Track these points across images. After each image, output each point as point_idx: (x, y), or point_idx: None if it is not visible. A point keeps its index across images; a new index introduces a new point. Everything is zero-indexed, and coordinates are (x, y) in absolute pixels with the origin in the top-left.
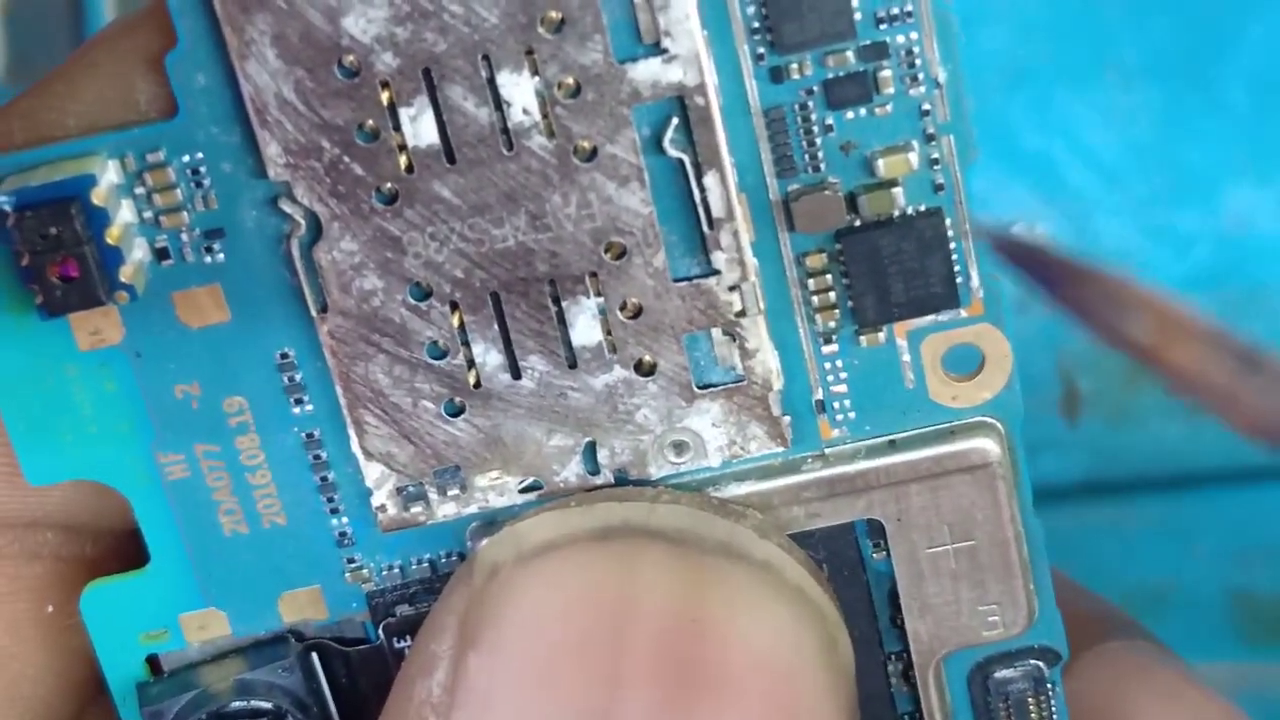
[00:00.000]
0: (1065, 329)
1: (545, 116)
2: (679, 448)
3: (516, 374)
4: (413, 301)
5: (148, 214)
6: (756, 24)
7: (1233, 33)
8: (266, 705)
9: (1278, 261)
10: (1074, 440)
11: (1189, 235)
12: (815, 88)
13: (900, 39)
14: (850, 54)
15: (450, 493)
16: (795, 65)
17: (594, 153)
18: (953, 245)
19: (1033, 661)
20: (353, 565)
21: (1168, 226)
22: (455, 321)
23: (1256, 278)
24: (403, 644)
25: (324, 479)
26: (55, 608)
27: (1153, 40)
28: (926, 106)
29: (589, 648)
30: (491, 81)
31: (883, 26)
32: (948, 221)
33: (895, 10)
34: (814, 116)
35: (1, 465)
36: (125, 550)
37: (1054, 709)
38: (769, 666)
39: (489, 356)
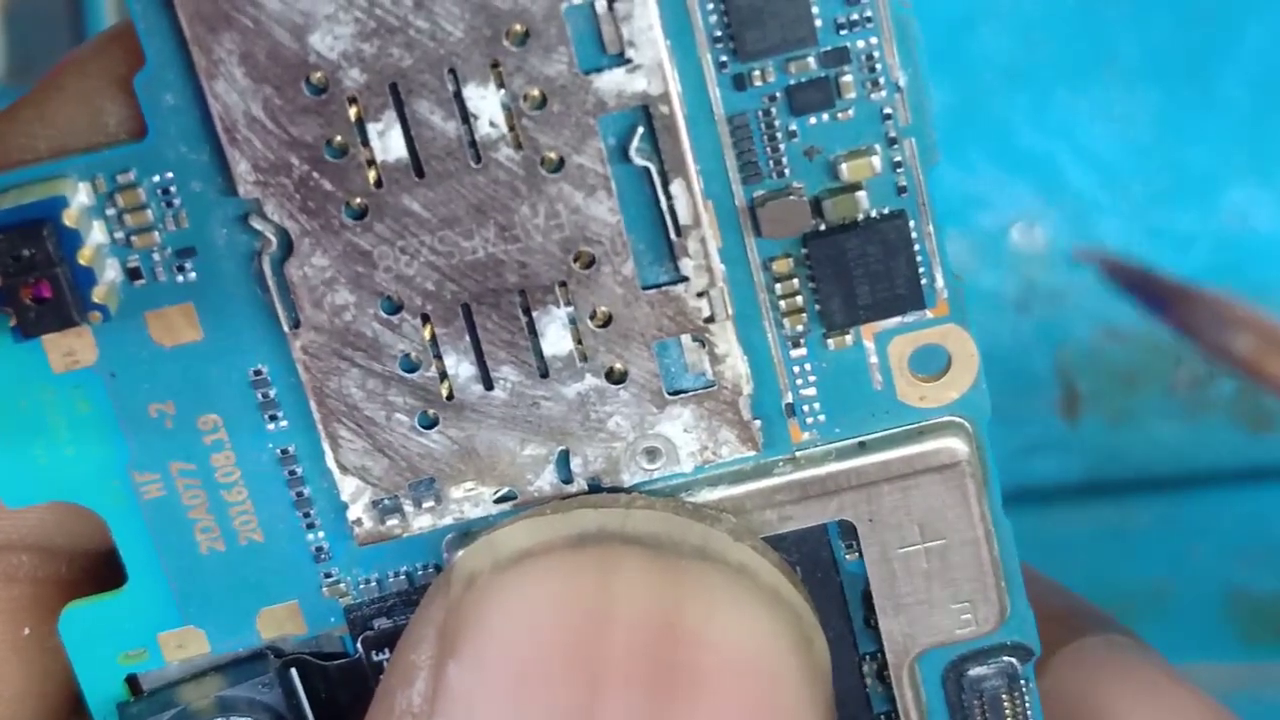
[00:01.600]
0: (1065, 329)
1: (512, 128)
2: (651, 454)
3: (489, 385)
4: (384, 315)
5: (119, 234)
6: (719, 32)
7: (1233, 33)
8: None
9: (1278, 261)
10: (1074, 440)
11: (1189, 235)
12: (778, 94)
13: (860, 44)
14: (811, 60)
15: (426, 505)
16: (757, 72)
17: (561, 163)
18: (917, 247)
19: (1006, 658)
20: (330, 580)
21: (1168, 226)
22: (427, 334)
23: (1256, 278)
24: (381, 657)
25: (299, 494)
26: (32, 630)
27: (1153, 40)
28: (888, 110)
29: (567, 654)
30: (458, 95)
31: (843, 32)
32: (911, 224)
33: (855, 16)
34: (777, 122)
35: None
36: (102, 571)
37: (1028, 705)
38: (746, 668)
39: (461, 368)
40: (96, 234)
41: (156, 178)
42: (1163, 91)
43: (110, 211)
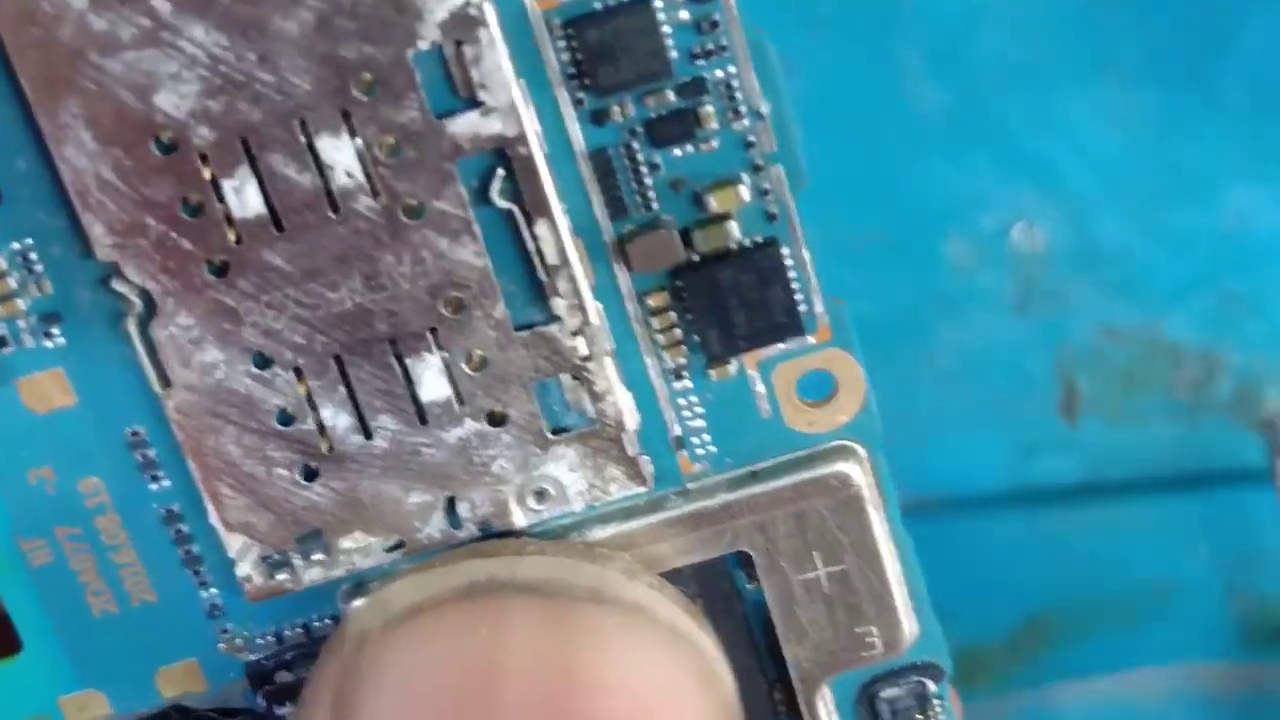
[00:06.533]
0: (1065, 329)
1: (368, 177)
2: (540, 495)
3: (368, 434)
4: (256, 371)
5: None
6: (572, 70)
7: (1233, 33)
8: None
9: (1278, 261)
10: (1074, 440)
11: (1189, 235)
12: (638, 128)
13: (718, 74)
14: (669, 92)
15: (315, 557)
16: (616, 107)
17: (421, 209)
18: (792, 274)
19: (916, 678)
20: (226, 636)
21: (1168, 226)
22: (301, 388)
23: (1256, 278)
24: (284, 710)
25: (188, 553)
26: None
27: (1152, 40)
28: (751, 139)
29: (461, 711)
30: (311, 147)
31: (699, 62)
32: (785, 251)
33: (709, 45)
34: (640, 156)
35: None
36: None
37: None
38: (645, 711)
39: (339, 419)
40: None
41: (15, 244)
42: (1162, 91)
43: None
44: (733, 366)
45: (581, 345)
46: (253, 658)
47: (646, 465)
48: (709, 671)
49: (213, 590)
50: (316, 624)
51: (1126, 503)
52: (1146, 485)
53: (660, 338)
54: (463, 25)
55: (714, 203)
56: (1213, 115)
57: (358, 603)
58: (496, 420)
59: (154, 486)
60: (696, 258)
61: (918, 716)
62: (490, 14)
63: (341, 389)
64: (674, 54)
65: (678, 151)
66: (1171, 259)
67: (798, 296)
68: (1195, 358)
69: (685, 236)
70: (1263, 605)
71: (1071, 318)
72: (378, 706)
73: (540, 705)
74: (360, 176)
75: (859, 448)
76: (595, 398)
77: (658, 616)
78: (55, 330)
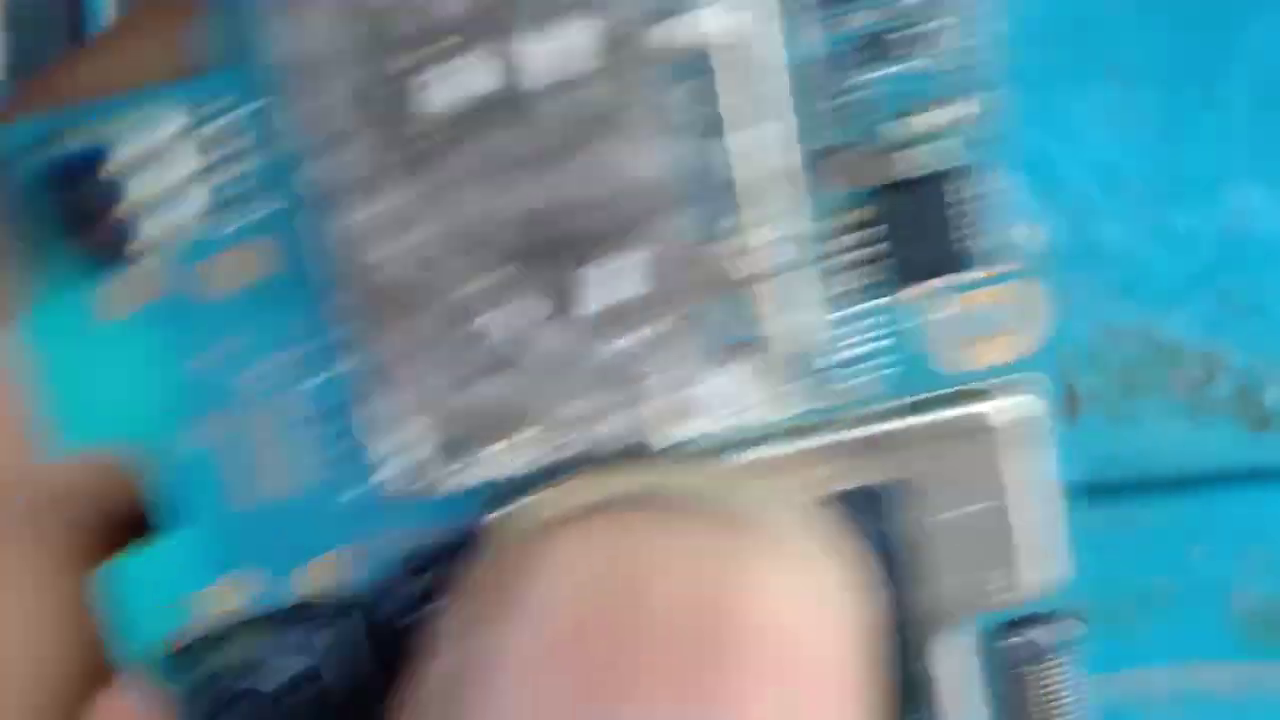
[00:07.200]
0: (1065, 329)
1: (570, 73)
2: (697, 413)
3: (537, 337)
4: (443, 261)
5: (191, 170)
6: None
7: (1233, 33)
8: (289, 675)
9: (1278, 261)
10: (1074, 440)
11: (1189, 235)
12: (849, 41)
13: None
14: (889, 9)
15: (467, 461)
16: (829, 18)
17: (615, 114)
18: (981, 203)
19: (1046, 626)
20: (379, 531)
21: (1168, 226)
22: (480, 283)
23: (1257, 278)
24: (427, 609)
25: (344, 446)
26: (60, 591)
27: (1153, 40)
28: (963, 62)
29: (604, 625)
30: (509, 45)
31: None
32: (977, 179)
33: None
34: (847, 71)
35: (11, 438)
36: (129, 533)
37: (1068, 673)
38: (789, 637)
39: (511, 318)
40: (168, 169)
41: (246, 108)
42: (1163, 91)
43: (185, 145)
44: (908, 294)
45: (759, 262)
46: (400, 556)
47: (807, 389)
48: (855, 602)
49: (363, 485)
50: (464, 528)
51: (1126, 503)
52: (1146, 485)
53: (841, 259)
54: None
55: (917, 124)
56: (1213, 115)
57: (503, 511)
58: (663, 334)
59: (331, 373)
60: (890, 180)
61: (1048, 662)
62: None
63: (518, 287)
64: None
65: (884, 70)
66: (1171, 259)
67: (985, 226)
68: (1195, 358)
69: (883, 157)
70: (1263, 605)
71: (1071, 318)
72: (518, 615)
73: (685, 625)
74: (558, 76)
75: (1028, 385)
76: (766, 316)
77: (804, 544)
78: (265, 201)
